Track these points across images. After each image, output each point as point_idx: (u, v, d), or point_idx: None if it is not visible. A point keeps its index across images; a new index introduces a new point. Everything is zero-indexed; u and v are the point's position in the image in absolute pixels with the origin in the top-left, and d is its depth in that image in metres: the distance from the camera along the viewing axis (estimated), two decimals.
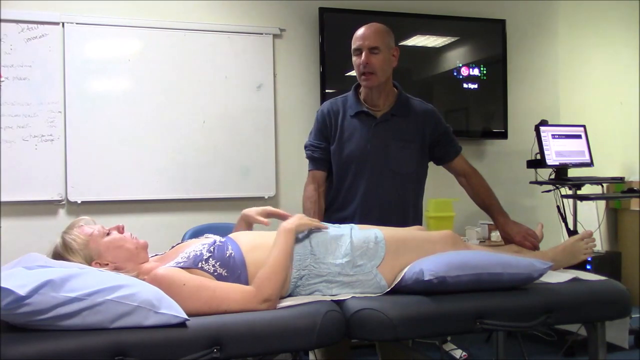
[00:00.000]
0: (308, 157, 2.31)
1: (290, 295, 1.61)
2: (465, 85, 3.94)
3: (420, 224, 2.24)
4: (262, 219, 1.87)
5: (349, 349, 2.33)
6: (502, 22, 4.06)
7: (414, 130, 2.22)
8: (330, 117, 2.25)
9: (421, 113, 2.24)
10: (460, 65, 3.93)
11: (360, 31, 2.15)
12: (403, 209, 2.22)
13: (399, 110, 2.22)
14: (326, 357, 2.26)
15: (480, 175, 2.28)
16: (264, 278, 1.51)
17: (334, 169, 2.26)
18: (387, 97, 2.23)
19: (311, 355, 2.40)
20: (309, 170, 2.31)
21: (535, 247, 2.05)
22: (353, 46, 2.15)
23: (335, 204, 2.27)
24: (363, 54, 2.11)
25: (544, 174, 3.70)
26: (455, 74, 3.94)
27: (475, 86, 3.96)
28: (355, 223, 1.92)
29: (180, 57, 3.46)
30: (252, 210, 1.90)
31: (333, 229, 1.76)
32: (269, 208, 1.91)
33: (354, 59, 2.16)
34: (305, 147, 2.32)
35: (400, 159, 2.19)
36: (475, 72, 3.96)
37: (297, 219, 1.71)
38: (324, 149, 2.26)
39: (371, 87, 2.17)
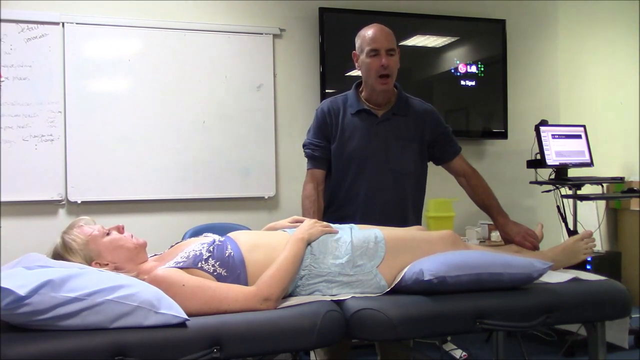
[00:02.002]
0: (307, 155, 2.30)
1: (290, 295, 1.61)
2: (462, 83, 3.94)
3: (420, 223, 2.24)
4: (291, 224, 1.86)
5: (350, 349, 2.33)
6: (502, 22, 4.06)
7: (414, 129, 2.22)
8: (331, 116, 2.25)
9: (421, 112, 2.25)
10: (458, 62, 3.93)
11: (375, 33, 2.12)
12: (403, 208, 2.22)
13: (400, 110, 2.22)
14: (327, 357, 2.26)
15: (480, 175, 2.28)
16: (266, 278, 1.51)
17: (334, 167, 2.25)
18: (389, 97, 2.23)
19: (312, 355, 2.40)
20: (307, 169, 2.30)
21: (535, 247, 2.05)
22: (368, 47, 2.12)
23: (335, 203, 2.27)
24: (382, 56, 2.10)
25: (544, 174, 3.70)
26: (453, 70, 3.94)
27: (473, 83, 3.96)
28: (357, 222, 1.92)
29: (180, 57, 3.46)
30: (279, 222, 1.89)
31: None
32: (296, 217, 1.90)
33: (368, 60, 2.13)
34: (304, 145, 2.31)
35: (400, 158, 2.19)
36: (473, 69, 3.96)
37: (309, 227, 1.70)
38: (323, 148, 2.25)
39: (388, 90, 2.17)
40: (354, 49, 2.21)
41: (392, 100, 2.24)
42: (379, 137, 2.19)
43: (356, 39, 2.19)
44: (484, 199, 2.23)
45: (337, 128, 2.23)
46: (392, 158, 2.19)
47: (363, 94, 2.25)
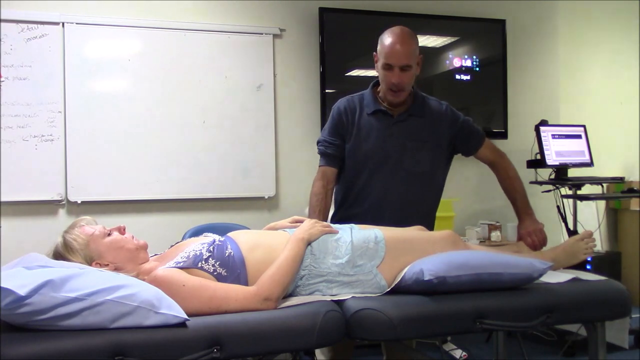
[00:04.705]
0: (320, 152, 2.27)
1: (290, 295, 1.61)
2: (457, 77, 3.95)
3: (431, 224, 2.22)
4: (291, 224, 1.86)
5: (354, 348, 2.33)
6: (502, 22, 4.06)
7: (430, 130, 2.20)
8: (347, 115, 2.23)
9: (436, 113, 2.23)
10: (452, 57, 3.94)
11: (392, 45, 2.06)
12: (416, 209, 2.19)
13: (416, 111, 2.21)
14: (330, 357, 2.26)
15: (506, 163, 2.26)
16: (266, 277, 1.51)
17: (348, 166, 2.23)
18: (404, 98, 2.21)
19: (317, 355, 2.39)
20: (319, 166, 2.27)
21: (535, 247, 2.05)
22: (383, 60, 2.08)
23: (347, 202, 2.25)
24: (395, 72, 2.07)
25: (544, 174, 3.70)
26: (452, 69, 3.94)
27: (468, 77, 3.96)
28: (368, 221, 1.91)
29: (180, 57, 3.46)
30: (279, 223, 1.89)
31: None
32: (296, 217, 1.90)
33: (382, 72, 2.11)
34: (318, 142, 2.28)
35: (415, 159, 2.17)
36: (468, 63, 3.96)
37: (309, 227, 1.70)
38: (337, 146, 2.23)
39: (398, 102, 2.16)
40: (376, 49, 2.16)
41: (408, 101, 2.22)
42: (395, 138, 2.17)
43: (379, 40, 2.14)
44: (508, 190, 2.23)
45: (352, 127, 2.21)
46: (407, 159, 2.17)
47: (380, 94, 2.24)
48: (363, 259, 1.65)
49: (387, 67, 2.09)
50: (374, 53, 2.17)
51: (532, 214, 2.16)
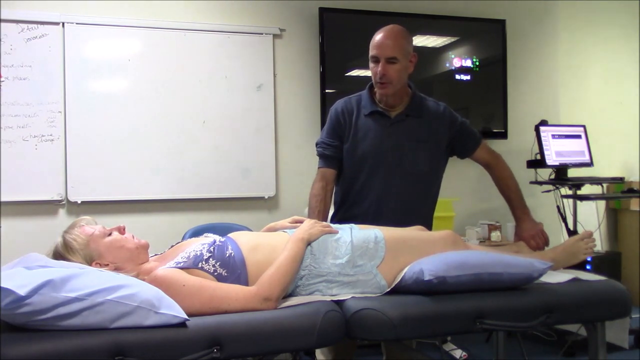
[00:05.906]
0: (319, 154, 2.28)
1: (290, 295, 1.61)
2: (457, 77, 3.95)
3: (430, 224, 2.22)
4: (291, 225, 1.86)
5: (356, 348, 2.33)
6: (502, 22, 4.07)
7: (428, 130, 2.20)
8: (345, 116, 2.23)
9: (434, 113, 2.23)
10: (453, 56, 3.95)
11: (379, 38, 2.11)
12: (415, 209, 2.20)
13: (413, 111, 2.21)
14: (332, 357, 2.26)
15: (502, 165, 2.27)
16: (266, 278, 1.51)
17: (346, 167, 2.23)
18: (401, 98, 2.21)
19: (319, 355, 2.39)
20: (318, 168, 2.28)
21: (538, 248, 2.05)
22: (370, 52, 2.12)
23: (346, 203, 2.25)
24: (380, 63, 2.09)
25: (544, 174, 3.70)
26: (451, 69, 3.94)
27: (468, 77, 3.96)
28: (368, 221, 1.91)
29: (180, 57, 3.46)
30: (279, 223, 1.90)
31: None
32: (296, 217, 1.90)
33: (370, 64, 2.13)
34: (317, 144, 2.29)
35: (413, 159, 2.17)
36: (468, 63, 3.96)
37: (309, 227, 1.70)
38: (336, 147, 2.23)
39: (386, 94, 2.16)
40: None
41: (405, 101, 2.22)
42: (392, 139, 2.17)
43: None
44: (503, 190, 2.24)
45: (350, 128, 2.22)
46: (406, 159, 2.17)
47: (376, 95, 2.23)
48: (363, 259, 1.65)
49: (374, 59, 2.11)
50: None
51: (529, 213, 2.17)
